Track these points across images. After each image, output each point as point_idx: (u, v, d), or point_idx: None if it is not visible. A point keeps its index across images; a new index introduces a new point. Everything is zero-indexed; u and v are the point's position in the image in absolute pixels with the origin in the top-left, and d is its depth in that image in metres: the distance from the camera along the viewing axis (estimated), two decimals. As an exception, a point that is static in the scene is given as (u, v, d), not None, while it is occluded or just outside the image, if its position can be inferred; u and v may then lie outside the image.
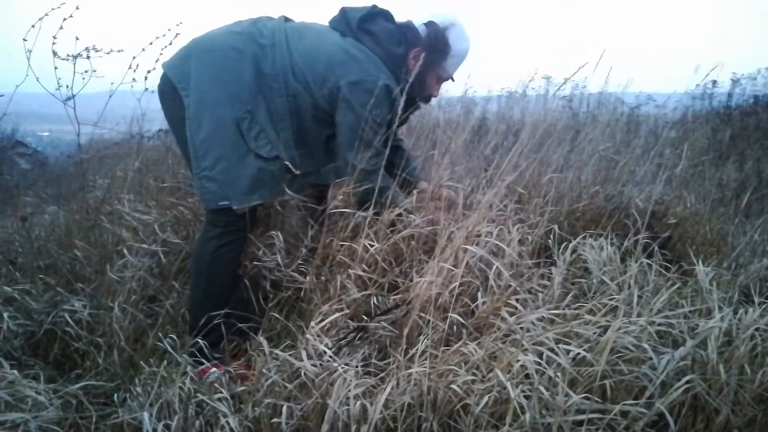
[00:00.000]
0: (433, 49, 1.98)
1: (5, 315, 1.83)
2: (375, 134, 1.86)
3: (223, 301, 1.85)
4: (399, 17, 2.04)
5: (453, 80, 2.13)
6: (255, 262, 1.95)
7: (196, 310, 1.89)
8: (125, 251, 2.10)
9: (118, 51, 2.26)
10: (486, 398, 1.27)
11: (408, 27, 2.02)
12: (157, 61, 2.15)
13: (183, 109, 1.83)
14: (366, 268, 1.79)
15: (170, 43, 2.17)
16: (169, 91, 1.87)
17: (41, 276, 2.10)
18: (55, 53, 2.07)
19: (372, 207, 1.87)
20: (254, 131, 1.83)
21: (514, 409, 1.24)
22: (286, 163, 1.86)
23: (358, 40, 1.93)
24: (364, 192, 1.89)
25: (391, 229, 1.91)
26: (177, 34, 2.18)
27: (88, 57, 2.15)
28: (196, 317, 1.86)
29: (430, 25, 2.02)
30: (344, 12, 1.98)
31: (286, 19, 2.01)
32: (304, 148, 1.94)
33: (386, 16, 2.01)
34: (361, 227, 1.88)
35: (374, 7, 2.00)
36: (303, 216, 2.02)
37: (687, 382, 1.29)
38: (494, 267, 1.66)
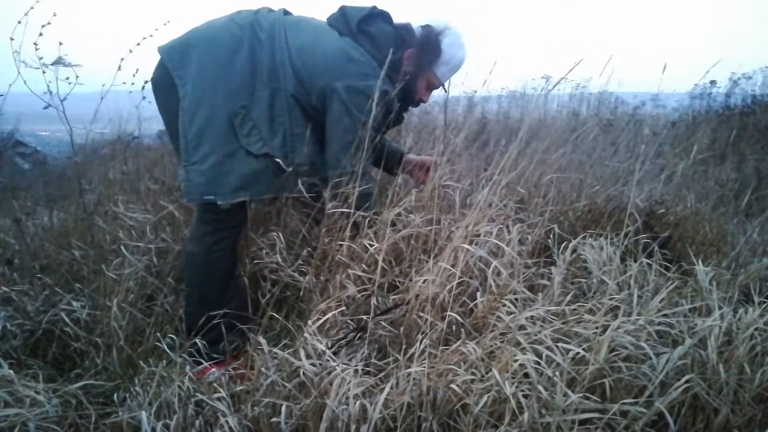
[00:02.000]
0: (424, 50, 1.97)
1: (3, 315, 1.83)
2: (370, 139, 1.85)
3: (220, 299, 1.84)
4: (399, 19, 2.03)
5: (445, 90, 2.12)
6: (256, 261, 1.95)
7: (192, 310, 1.88)
8: (122, 249, 2.10)
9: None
10: (485, 398, 1.27)
11: (405, 29, 2.01)
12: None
13: (177, 101, 1.80)
14: (365, 267, 1.78)
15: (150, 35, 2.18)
16: (164, 82, 1.84)
17: (39, 276, 2.10)
18: (25, 63, 2.05)
19: (368, 209, 1.88)
20: (247, 127, 1.81)
21: (513, 408, 1.24)
22: (277, 160, 1.84)
23: (355, 41, 1.92)
24: (361, 196, 1.87)
25: (391, 228, 1.90)
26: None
27: (69, 64, 2.13)
28: (191, 316, 1.85)
29: (426, 27, 2.01)
30: (344, 11, 1.97)
31: (285, 12, 1.99)
32: (296, 144, 1.92)
33: (385, 17, 2.00)
34: (361, 227, 1.88)
35: (374, 8, 1.98)
36: (302, 215, 2.02)
37: (686, 381, 1.28)
38: (492, 266, 1.66)
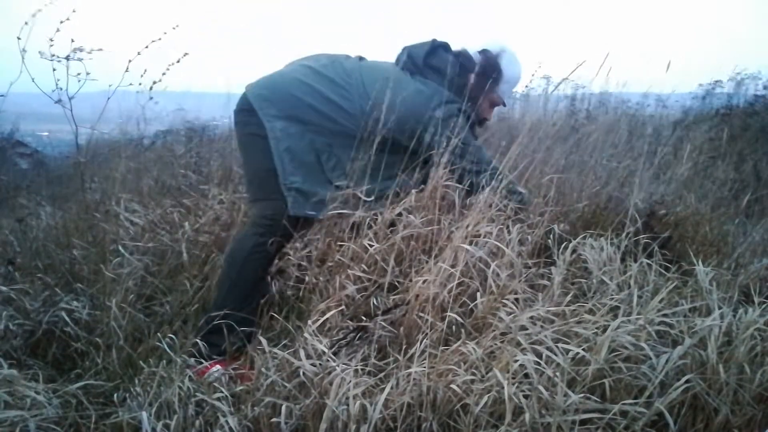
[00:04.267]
0: (486, 76, 2.09)
1: (4, 315, 1.83)
2: (476, 151, 2.01)
3: (245, 298, 1.91)
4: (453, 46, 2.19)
5: (505, 105, 2.29)
6: (287, 257, 2.02)
7: (216, 303, 1.93)
8: (122, 249, 2.10)
9: (98, 50, 2.24)
10: (485, 398, 1.27)
11: (464, 56, 2.14)
12: (164, 74, 2.21)
13: (263, 128, 1.97)
14: (365, 268, 1.79)
15: (178, 61, 2.21)
16: (248, 111, 2.01)
17: (40, 276, 2.10)
18: (41, 54, 2.06)
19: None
20: (332, 162, 2.01)
21: (513, 408, 1.24)
22: (358, 194, 1.96)
23: (424, 77, 2.07)
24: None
25: (391, 229, 1.91)
26: (185, 53, 2.22)
27: (79, 59, 2.14)
28: (213, 309, 1.89)
29: (483, 53, 2.14)
30: (409, 53, 2.12)
31: (360, 59, 2.17)
32: (376, 177, 2.01)
33: (446, 48, 2.16)
34: (361, 227, 1.89)
35: (434, 41, 2.13)
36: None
37: (686, 381, 1.28)
38: (492, 266, 1.66)
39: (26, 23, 1.99)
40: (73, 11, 2.05)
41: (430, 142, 1.98)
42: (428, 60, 2.10)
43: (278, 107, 1.99)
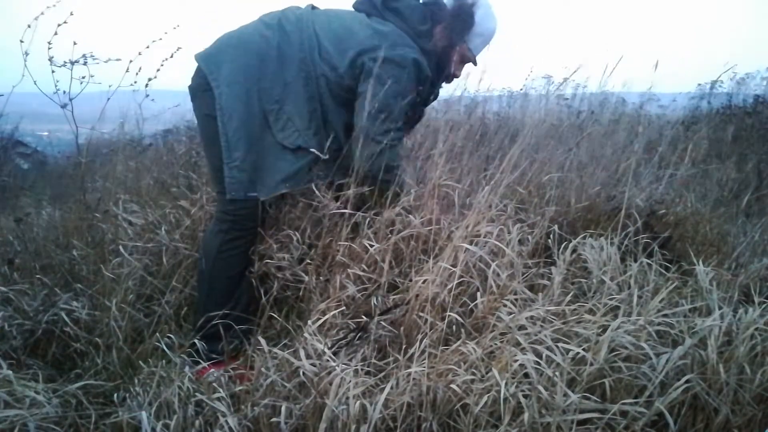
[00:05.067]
0: (456, 22, 1.96)
1: (3, 315, 1.83)
2: (400, 110, 1.85)
3: (226, 298, 1.86)
4: None
5: (476, 64, 2.12)
6: (266, 261, 1.96)
7: (199, 306, 1.91)
8: (122, 250, 2.10)
9: (117, 60, 2.25)
10: (485, 398, 1.27)
11: (435, 3, 2.01)
12: (158, 70, 2.16)
13: (214, 103, 1.84)
14: (365, 268, 1.78)
15: (171, 56, 2.19)
16: (202, 87, 1.88)
17: (39, 276, 2.10)
18: (51, 60, 2.07)
19: (391, 184, 1.90)
20: (281, 122, 1.86)
21: (512, 408, 1.23)
22: (313, 150, 1.86)
23: (383, 18, 1.94)
24: (385, 168, 1.88)
25: (391, 228, 1.91)
26: (178, 47, 2.20)
27: (85, 63, 2.14)
28: (198, 313, 1.88)
29: (457, 0, 2.01)
30: None
31: (313, 7, 2.03)
32: (330, 131, 1.93)
33: None
34: (361, 227, 1.88)
35: None
36: (314, 215, 2.03)
37: (686, 381, 1.28)
38: (492, 267, 1.66)
39: (29, 26, 1.99)
40: (71, 14, 2.05)
41: (362, 88, 1.84)
42: (388, 2, 1.96)
43: (224, 62, 1.86)
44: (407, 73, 1.82)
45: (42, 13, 2.03)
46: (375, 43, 1.85)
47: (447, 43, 1.95)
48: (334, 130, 1.94)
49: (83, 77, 2.14)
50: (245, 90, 1.84)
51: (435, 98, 2.22)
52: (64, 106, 2.13)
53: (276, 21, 1.91)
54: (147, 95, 2.33)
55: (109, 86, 2.29)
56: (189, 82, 1.94)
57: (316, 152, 1.86)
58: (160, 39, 2.21)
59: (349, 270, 1.80)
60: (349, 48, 1.86)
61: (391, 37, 1.88)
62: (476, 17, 1.98)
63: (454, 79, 2.17)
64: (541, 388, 1.25)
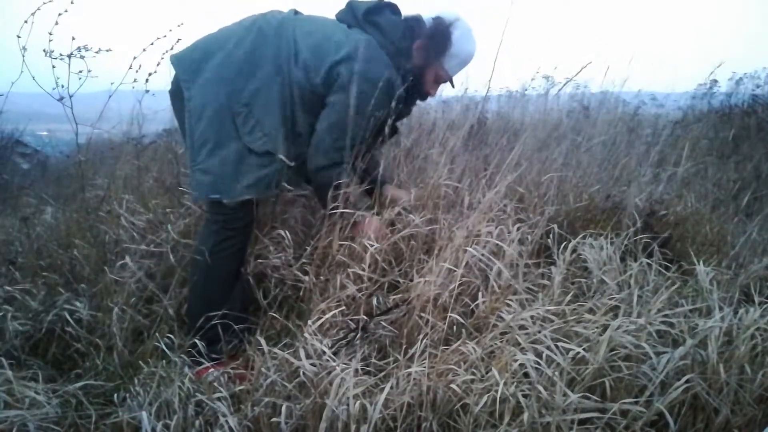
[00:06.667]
0: (433, 42, 1.95)
1: (4, 315, 1.83)
2: (358, 129, 1.83)
3: (221, 299, 1.85)
4: (411, 11, 2.02)
5: (452, 85, 2.10)
6: (260, 261, 1.95)
7: (193, 307, 1.89)
8: (124, 252, 2.10)
9: (107, 50, 2.23)
10: (485, 398, 1.27)
11: (415, 20, 2.00)
12: (158, 64, 2.15)
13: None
14: (366, 267, 1.78)
15: (171, 48, 2.17)
16: (179, 91, 1.88)
17: (41, 276, 2.10)
18: (46, 52, 2.06)
19: (323, 199, 1.87)
20: (249, 124, 1.83)
21: (512, 408, 1.24)
22: (280, 156, 1.85)
23: (363, 31, 1.93)
24: (326, 183, 1.87)
25: (391, 229, 1.90)
26: (178, 39, 2.18)
27: (81, 57, 2.13)
28: (192, 314, 1.86)
29: (436, 19, 2.00)
30: (351, 4, 1.99)
31: (296, 12, 2.02)
32: (298, 139, 1.92)
33: (392, 8, 2.01)
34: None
35: (382, 0, 1.99)
36: (304, 213, 2.02)
37: (687, 381, 1.29)
38: (494, 267, 1.66)
39: (26, 21, 1.98)
40: (72, 2, 2.03)
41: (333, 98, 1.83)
42: (370, 15, 1.94)
43: (196, 65, 1.84)
44: (378, 91, 1.80)
45: (38, 9, 2.02)
46: (352, 54, 1.84)
47: (422, 63, 1.95)
48: (303, 138, 1.93)
49: (80, 71, 2.13)
50: (214, 93, 1.82)
51: (408, 115, 2.21)
52: (60, 99, 2.12)
53: (254, 24, 1.90)
54: (147, 91, 2.31)
55: (111, 83, 2.28)
56: None
57: (284, 159, 1.85)
58: (164, 36, 2.19)
59: (348, 270, 1.79)
60: (327, 56, 1.85)
61: (368, 51, 1.86)
62: (453, 38, 1.96)
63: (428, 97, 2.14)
64: (540, 387, 1.25)
